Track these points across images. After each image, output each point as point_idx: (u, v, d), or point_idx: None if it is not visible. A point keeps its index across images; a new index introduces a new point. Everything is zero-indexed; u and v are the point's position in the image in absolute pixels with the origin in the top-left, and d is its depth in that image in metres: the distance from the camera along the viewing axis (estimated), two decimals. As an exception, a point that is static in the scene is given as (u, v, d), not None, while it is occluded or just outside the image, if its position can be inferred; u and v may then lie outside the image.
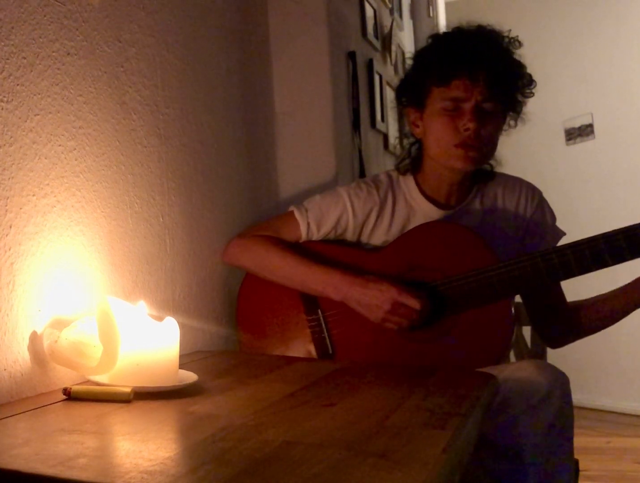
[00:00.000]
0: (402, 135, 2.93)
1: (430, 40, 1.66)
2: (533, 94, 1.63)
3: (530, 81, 1.62)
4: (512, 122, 1.65)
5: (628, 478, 3.05)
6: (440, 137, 1.58)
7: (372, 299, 1.51)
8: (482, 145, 1.56)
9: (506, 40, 1.60)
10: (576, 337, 1.68)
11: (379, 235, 1.65)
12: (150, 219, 1.46)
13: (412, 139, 1.70)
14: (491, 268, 1.51)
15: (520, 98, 1.62)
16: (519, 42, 1.61)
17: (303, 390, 1.17)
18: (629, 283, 1.57)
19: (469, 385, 1.22)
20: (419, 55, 1.69)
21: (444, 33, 1.65)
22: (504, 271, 1.50)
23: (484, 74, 1.52)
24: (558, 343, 1.72)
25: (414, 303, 1.48)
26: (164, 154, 1.52)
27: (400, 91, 1.71)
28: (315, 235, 1.66)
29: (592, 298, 1.65)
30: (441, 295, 1.53)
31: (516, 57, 1.60)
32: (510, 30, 1.61)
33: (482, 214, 1.65)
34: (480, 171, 1.67)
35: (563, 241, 1.59)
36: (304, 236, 1.66)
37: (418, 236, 1.60)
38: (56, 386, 1.13)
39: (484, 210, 1.65)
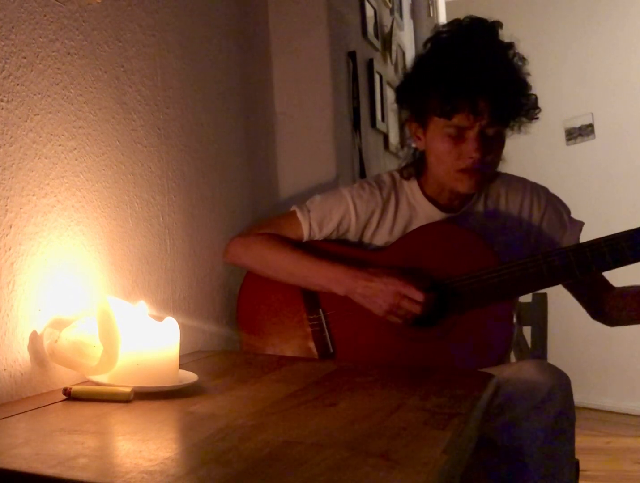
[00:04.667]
0: (402, 138, 2.93)
1: (429, 47, 1.58)
2: (538, 117, 1.57)
3: (535, 104, 1.56)
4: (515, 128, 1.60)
5: (628, 478, 3.05)
6: (444, 161, 1.55)
7: (377, 292, 1.50)
8: (487, 169, 1.55)
9: (510, 54, 1.53)
10: (617, 320, 1.64)
11: (381, 236, 1.65)
12: (150, 219, 1.46)
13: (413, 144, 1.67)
14: (493, 270, 1.51)
15: (524, 119, 1.56)
16: (523, 58, 1.55)
17: (303, 390, 1.17)
18: None
19: (469, 385, 1.22)
20: (419, 67, 1.61)
21: (445, 43, 1.56)
22: (506, 272, 1.50)
23: (486, 104, 1.47)
24: (611, 322, 1.67)
25: (418, 295, 1.48)
26: (164, 154, 1.52)
27: (400, 97, 1.66)
28: (317, 236, 1.66)
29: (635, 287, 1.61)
30: (443, 295, 1.53)
31: (522, 73, 1.54)
32: (511, 38, 1.54)
33: (485, 216, 1.64)
34: None
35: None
36: (305, 236, 1.66)
37: (420, 237, 1.60)
38: (56, 386, 1.13)
39: (487, 213, 1.64)
